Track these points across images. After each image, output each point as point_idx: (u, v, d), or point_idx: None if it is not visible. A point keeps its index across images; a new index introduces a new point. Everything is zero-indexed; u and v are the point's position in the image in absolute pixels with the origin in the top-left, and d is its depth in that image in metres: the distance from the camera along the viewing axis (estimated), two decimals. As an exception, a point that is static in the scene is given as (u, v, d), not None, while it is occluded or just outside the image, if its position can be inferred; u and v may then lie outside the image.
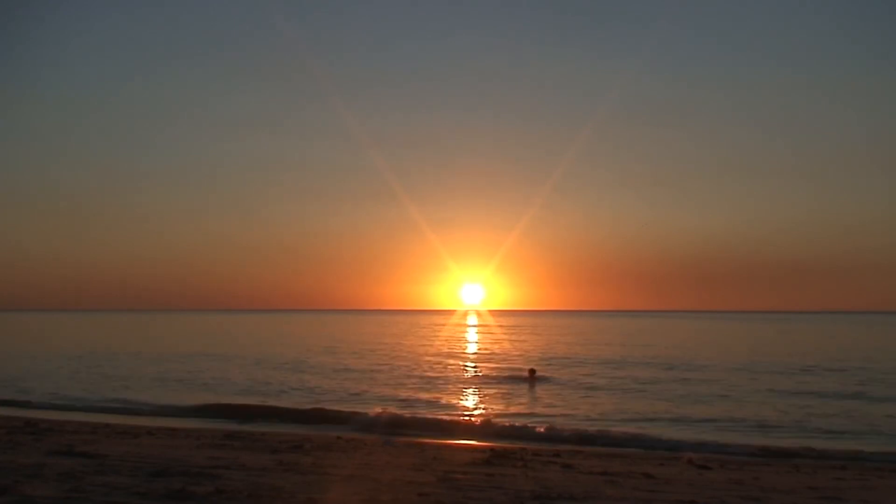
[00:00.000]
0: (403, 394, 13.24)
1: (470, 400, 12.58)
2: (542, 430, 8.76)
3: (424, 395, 12.86)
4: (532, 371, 16.29)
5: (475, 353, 25.78)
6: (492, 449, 5.59)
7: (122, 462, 3.75)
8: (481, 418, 10.16)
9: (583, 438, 8.35)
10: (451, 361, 21.85)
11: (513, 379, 16.12)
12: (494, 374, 17.23)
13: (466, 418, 10.33)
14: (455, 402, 12.08)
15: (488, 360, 22.52)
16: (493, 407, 11.59)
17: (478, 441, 7.96)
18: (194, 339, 35.49)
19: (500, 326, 54.81)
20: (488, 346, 31.04)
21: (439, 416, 10.16)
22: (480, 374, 17.54)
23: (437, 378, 16.13)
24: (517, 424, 9.35)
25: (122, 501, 2.78)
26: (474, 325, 56.92)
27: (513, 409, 11.31)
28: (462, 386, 14.75)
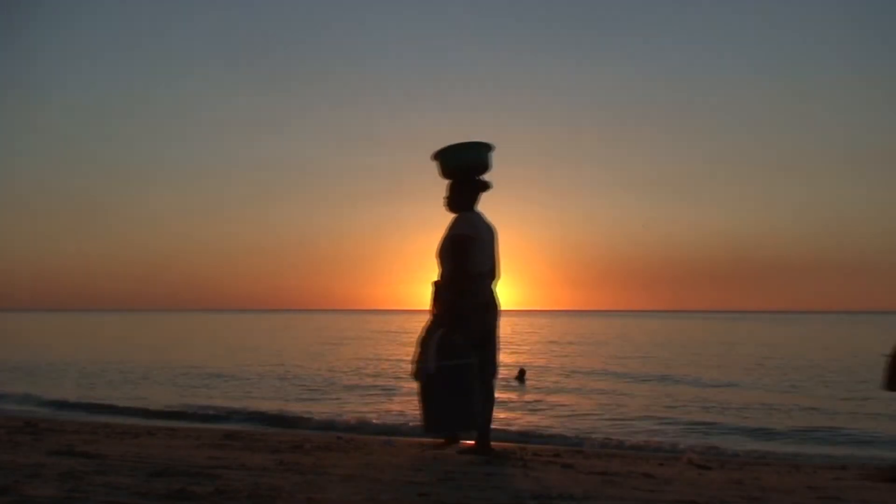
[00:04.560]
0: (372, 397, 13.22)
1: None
2: (539, 430, 8.80)
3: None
4: (522, 371, 16.12)
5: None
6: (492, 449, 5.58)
7: (122, 462, 3.75)
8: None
9: (578, 439, 8.38)
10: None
11: (502, 379, 16.01)
12: None
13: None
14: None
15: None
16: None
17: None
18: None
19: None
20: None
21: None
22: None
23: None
24: (511, 425, 9.38)
25: (123, 501, 2.78)
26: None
27: (503, 410, 11.26)
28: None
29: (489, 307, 4.46)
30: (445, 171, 4.60)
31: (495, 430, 9.21)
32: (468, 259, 4.35)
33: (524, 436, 8.51)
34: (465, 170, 4.54)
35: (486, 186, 4.58)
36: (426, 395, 4.35)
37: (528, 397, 12.84)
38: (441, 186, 4.66)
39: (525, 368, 15.96)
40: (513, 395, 13.09)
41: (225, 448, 4.71)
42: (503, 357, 21.03)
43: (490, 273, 4.52)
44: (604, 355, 24.51)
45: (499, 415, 10.77)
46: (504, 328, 51.56)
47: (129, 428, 6.64)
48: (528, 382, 14.76)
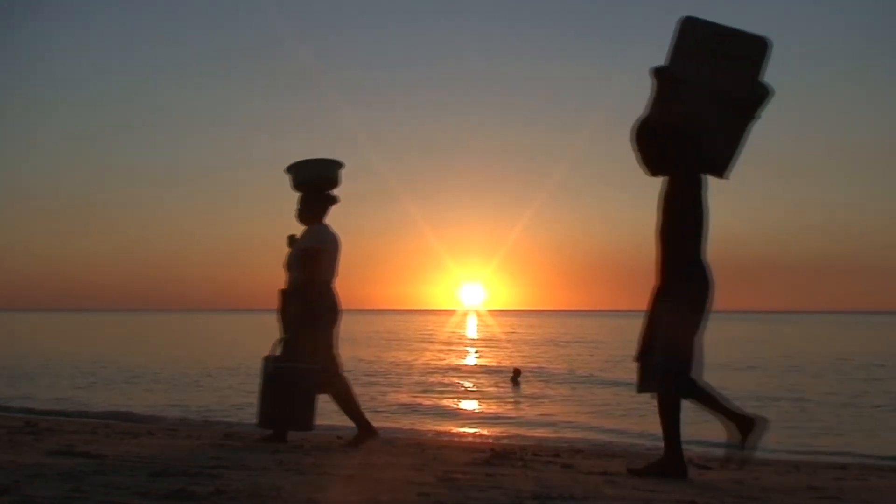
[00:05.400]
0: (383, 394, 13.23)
1: (446, 401, 12.47)
2: (537, 430, 8.81)
3: (401, 398, 12.80)
4: (517, 370, 16.10)
5: (455, 352, 25.61)
6: (492, 449, 5.59)
7: (122, 462, 3.75)
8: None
9: (578, 439, 8.40)
10: (428, 362, 21.69)
11: (496, 379, 15.98)
12: (475, 374, 17.06)
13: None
14: (429, 403, 12.00)
15: (470, 360, 22.37)
16: (473, 408, 11.54)
17: (478, 441, 7.96)
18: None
19: (497, 326, 54.67)
20: (474, 345, 30.89)
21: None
22: (459, 374, 17.35)
23: (403, 381, 15.90)
24: (508, 426, 9.39)
25: (123, 501, 2.78)
26: (468, 326, 56.80)
27: (494, 410, 11.24)
28: (434, 386, 14.60)
29: (333, 311, 4.93)
30: (297, 185, 4.95)
31: (494, 431, 9.27)
32: (317, 269, 4.77)
33: (523, 436, 8.51)
34: (315, 184, 4.91)
35: (334, 200, 5.00)
36: (264, 392, 4.78)
37: (523, 398, 12.83)
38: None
39: (520, 369, 15.90)
40: (508, 396, 13.08)
41: (225, 448, 4.71)
42: (498, 359, 21.00)
43: (332, 280, 4.96)
44: (602, 356, 24.50)
45: (496, 415, 10.77)
46: (502, 328, 51.50)
47: (129, 428, 6.64)
48: (522, 384, 14.72)
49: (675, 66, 3.75)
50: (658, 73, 3.76)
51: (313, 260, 4.77)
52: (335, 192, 5.02)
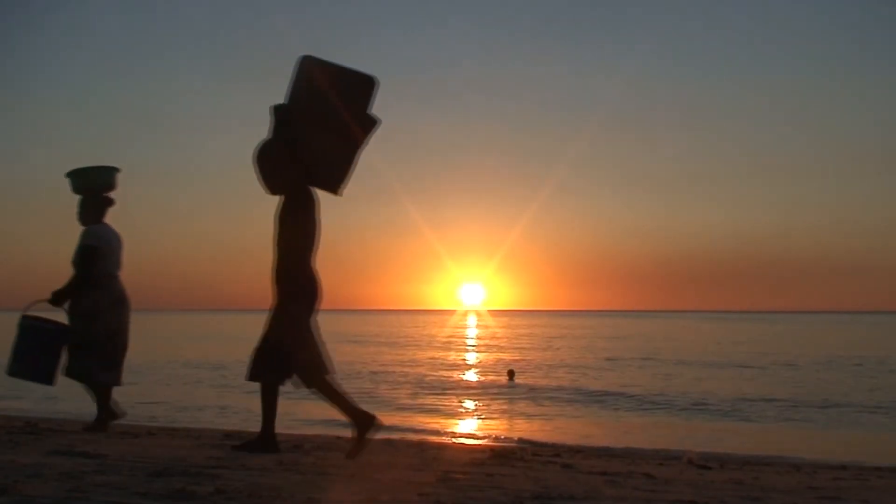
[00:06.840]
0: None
1: (444, 402, 12.45)
2: (536, 430, 8.81)
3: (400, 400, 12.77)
4: (511, 372, 16.16)
5: (454, 352, 25.58)
6: (492, 449, 5.60)
7: (122, 462, 3.75)
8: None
9: (577, 439, 8.40)
10: (426, 362, 21.67)
11: (491, 380, 15.99)
12: (470, 376, 17.06)
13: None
14: (428, 404, 11.97)
15: (464, 361, 22.35)
16: (470, 409, 11.53)
17: (477, 441, 7.96)
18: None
19: (496, 326, 54.67)
20: (472, 345, 30.87)
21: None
22: (453, 376, 17.34)
23: (402, 381, 15.87)
24: (506, 425, 9.38)
25: (123, 501, 2.78)
26: (467, 326, 56.77)
27: (492, 410, 11.23)
28: (432, 387, 14.58)
29: (122, 302, 5.35)
30: (77, 190, 5.34)
31: (493, 431, 9.28)
32: (95, 265, 5.17)
33: (523, 436, 8.52)
34: (94, 188, 5.31)
35: (111, 203, 5.39)
36: (17, 345, 5.07)
37: (520, 396, 12.84)
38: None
39: (514, 369, 15.95)
40: (505, 395, 13.09)
41: (225, 448, 4.71)
42: (495, 358, 21.04)
43: (117, 273, 5.35)
44: (601, 356, 24.53)
45: (493, 415, 10.77)
46: (501, 328, 51.48)
47: (130, 428, 6.62)
48: (518, 382, 14.74)
49: (292, 100, 4.17)
50: (275, 109, 4.18)
51: (91, 257, 5.16)
52: (112, 195, 5.39)
